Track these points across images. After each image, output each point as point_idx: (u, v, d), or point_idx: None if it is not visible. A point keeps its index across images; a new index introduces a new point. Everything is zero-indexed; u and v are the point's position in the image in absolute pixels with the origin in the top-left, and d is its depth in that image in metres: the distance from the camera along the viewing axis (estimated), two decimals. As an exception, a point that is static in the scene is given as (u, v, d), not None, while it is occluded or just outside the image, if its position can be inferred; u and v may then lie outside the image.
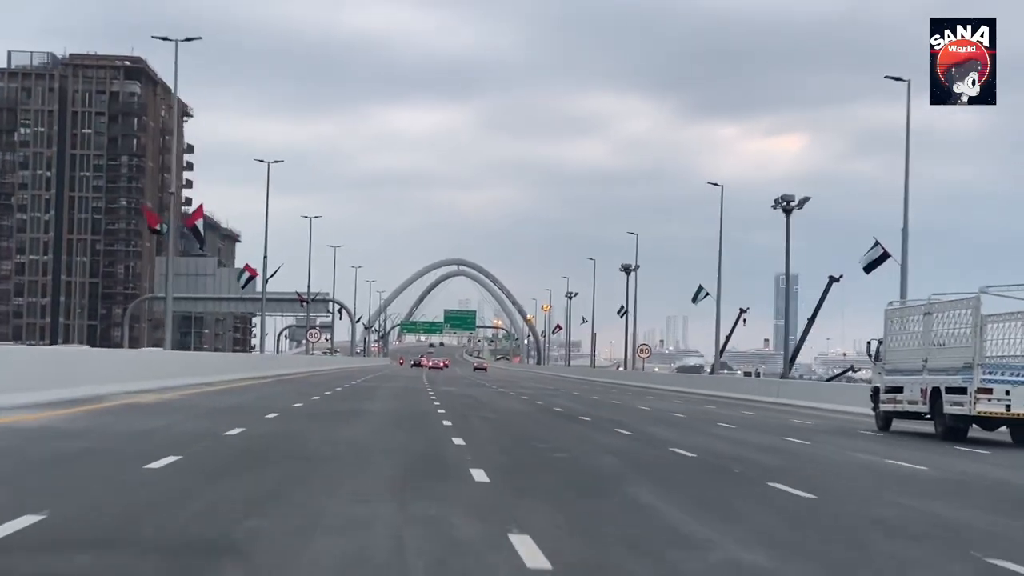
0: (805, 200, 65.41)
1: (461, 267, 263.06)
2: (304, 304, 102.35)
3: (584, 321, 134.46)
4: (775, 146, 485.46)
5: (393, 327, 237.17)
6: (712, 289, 73.89)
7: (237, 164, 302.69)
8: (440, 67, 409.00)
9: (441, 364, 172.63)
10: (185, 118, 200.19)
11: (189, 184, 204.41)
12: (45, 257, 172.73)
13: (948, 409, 25.55)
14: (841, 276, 78.83)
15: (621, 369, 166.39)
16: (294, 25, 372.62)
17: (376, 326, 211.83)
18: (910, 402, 27.49)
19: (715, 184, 71.14)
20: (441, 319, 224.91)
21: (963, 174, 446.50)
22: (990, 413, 24.55)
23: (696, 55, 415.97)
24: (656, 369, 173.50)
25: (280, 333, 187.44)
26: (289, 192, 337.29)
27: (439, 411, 29.06)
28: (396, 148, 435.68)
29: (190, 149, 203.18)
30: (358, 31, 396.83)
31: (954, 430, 25.57)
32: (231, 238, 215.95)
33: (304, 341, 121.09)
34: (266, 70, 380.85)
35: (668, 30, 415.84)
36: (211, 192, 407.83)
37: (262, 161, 79.70)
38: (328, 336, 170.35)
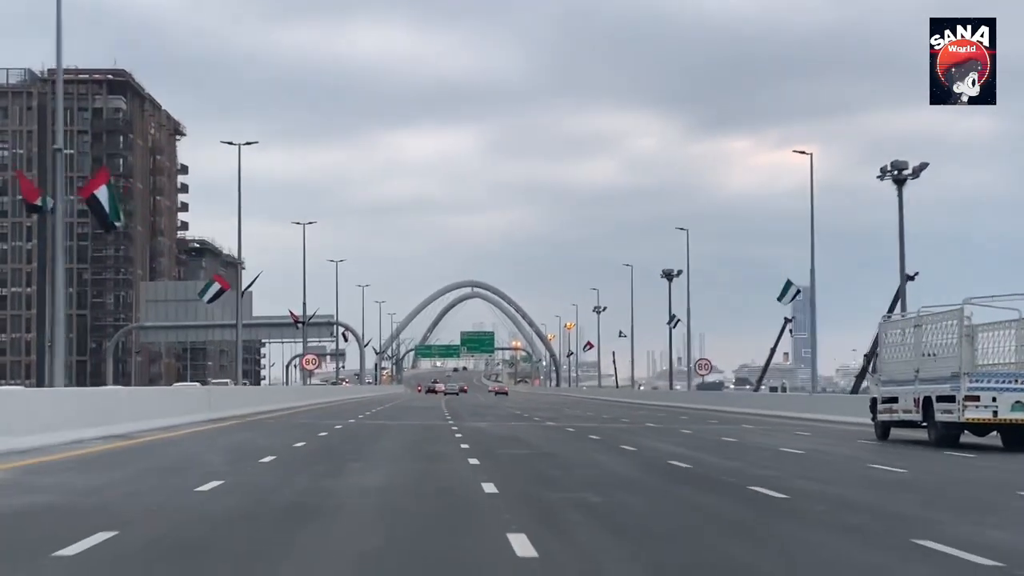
0: (923, 167, 51.19)
1: (475, 289, 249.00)
2: (299, 326, 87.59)
3: (622, 335, 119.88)
4: (785, 159, 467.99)
5: (407, 352, 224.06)
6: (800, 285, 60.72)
7: (246, 196, 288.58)
8: (443, 91, 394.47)
9: (457, 390, 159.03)
10: (178, 136, 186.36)
11: (185, 207, 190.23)
12: (28, 289, 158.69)
13: (939, 417, 26.27)
14: (917, 274, 66.86)
15: (642, 388, 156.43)
16: (293, 55, 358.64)
17: (389, 352, 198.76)
18: (905, 411, 28.32)
19: (802, 152, 60.44)
20: (458, 342, 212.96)
21: (978, 178, 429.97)
22: (978, 419, 25.34)
23: (703, 68, 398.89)
24: (678, 387, 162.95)
25: (289, 363, 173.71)
26: (295, 220, 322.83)
27: (486, 487, 14.63)
28: (403, 175, 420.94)
29: (184, 170, 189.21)
30: (358, 59, 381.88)
31: (946, 437, 26.24)
32: (233, 264, 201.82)
33: (303, 370, 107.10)
34: (268, 101, 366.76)
35: (673, 44, 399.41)
36: (222, 226, 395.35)
37: (231, 143, 64.49)
38: (342, 364, 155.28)
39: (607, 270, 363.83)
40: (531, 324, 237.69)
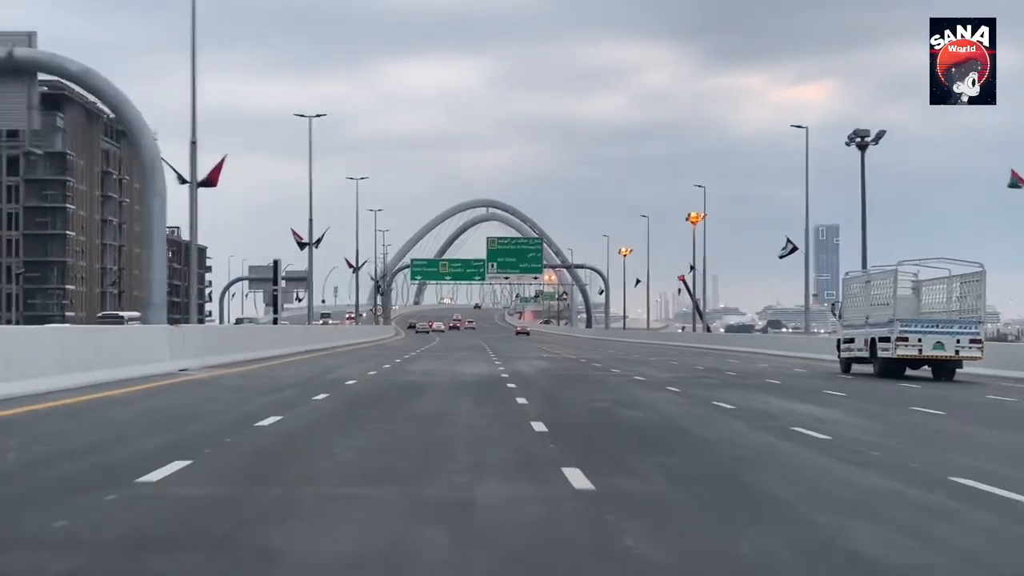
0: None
1: (491, 210, 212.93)
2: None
3: (637, 283, 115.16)
4: (802, 95, 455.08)
5: (397, 271, 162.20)
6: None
7: (240, 129, 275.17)
8: (451, 21, 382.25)
9: (455, 324, 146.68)
10: None
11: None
12: None
13: (880, 354, 34.86)
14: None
15: (686, 330, 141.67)
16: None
17: (382, 276, 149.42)
18: (859, 350, 36.98)
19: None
20: (483, 257, 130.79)
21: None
22: (907, 356, 33.97)
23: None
24: (721, 329, 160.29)
25: (223, 293, 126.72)
26: (294, 156, 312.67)
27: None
28: (407, 108, 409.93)
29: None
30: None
31: (887, 370, 34.69)
32: (120, 133, 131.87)
33: (268, 305, 77.68)
34: (264, 30, 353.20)
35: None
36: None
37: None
38: (300, 296, 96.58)
39: (619, 209, 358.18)
40: (558, 253, 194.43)
